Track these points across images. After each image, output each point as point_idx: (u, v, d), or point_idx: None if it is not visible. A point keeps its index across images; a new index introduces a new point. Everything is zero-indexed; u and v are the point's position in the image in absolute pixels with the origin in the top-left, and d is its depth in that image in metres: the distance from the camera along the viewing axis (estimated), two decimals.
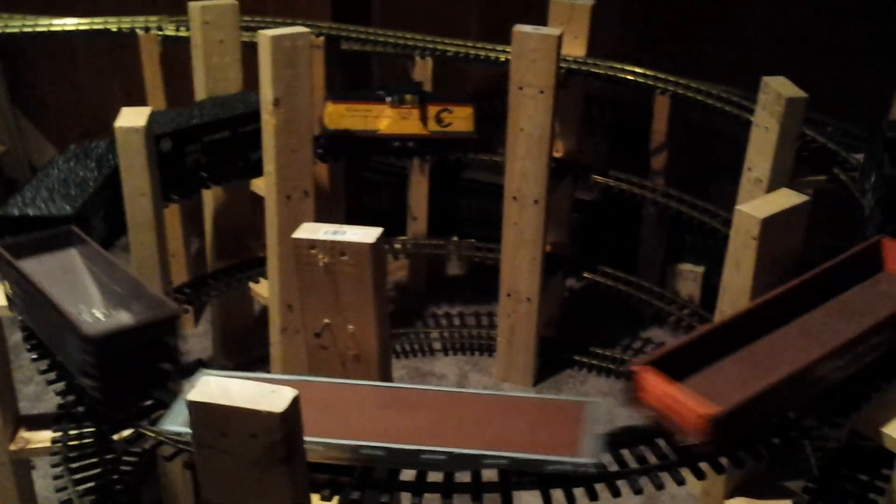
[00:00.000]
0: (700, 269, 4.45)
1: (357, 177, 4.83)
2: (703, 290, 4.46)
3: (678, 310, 4.08)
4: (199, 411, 1.50)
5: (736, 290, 2.16)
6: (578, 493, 1.78)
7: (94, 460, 2.72)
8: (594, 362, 4.24)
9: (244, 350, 3.98)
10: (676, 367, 1.75)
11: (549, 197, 3.72)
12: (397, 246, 4.29)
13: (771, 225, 2.04)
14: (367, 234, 1.86)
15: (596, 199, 4.65)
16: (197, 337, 4.33)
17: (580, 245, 4.47)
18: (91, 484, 2.64)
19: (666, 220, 4.44)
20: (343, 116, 3.59)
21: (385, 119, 3.62)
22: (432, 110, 3.70)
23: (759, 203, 2.08)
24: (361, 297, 1.89)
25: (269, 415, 1.47)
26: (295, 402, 1.50)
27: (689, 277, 4.47)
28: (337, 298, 1.90)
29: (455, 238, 4.43)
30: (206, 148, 3.27)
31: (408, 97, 3.65)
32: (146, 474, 3.17)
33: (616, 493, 1.79)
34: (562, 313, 4.47)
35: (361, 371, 1.98)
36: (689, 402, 1.62)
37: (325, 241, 1.85)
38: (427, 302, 4.76)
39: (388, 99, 3.64)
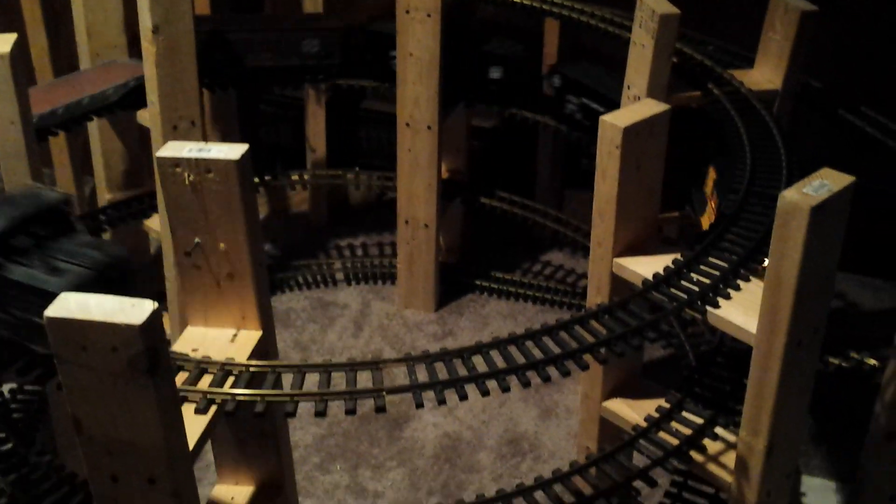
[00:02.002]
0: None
1: (252, 109, 4.77)
2: None
3: (573, 232, 4.17)
4: (58, 327, 1.50)
5: (603, 199, 2.23)
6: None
7: None
8: (495, 286, 4.32)
9: (141, 287, 3.94)
10: None
11: (441, 122, 3.74)
12: (295, 178, 4.27)
13: (632, 133, 2.10)
14: (232, 151, 1.85)
15: (493, 126, 4.69)
16: None
17: (478, 172, 4.51)
18: None
19: (561, 145, 4.51)
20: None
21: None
22: None
23: (622, 113, 2.14)
24: (230, 214, 1.89)
25: (129, 327, 1.48)
26: (155, 315, 1.51)
27: (585, 201, 4.56)
28: (206, 217, 1.90)
29: (356, 169, 4.43)
30: None
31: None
32: (38, 417, 3.14)
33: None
34: (462, 240, 4.53)
35: (236, 289, 2.00)
36: None
37: (189, 159, 1.84)
38: (329, 234, 4.76)
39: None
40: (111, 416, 1.57)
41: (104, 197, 3.81)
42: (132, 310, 1.50)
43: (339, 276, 4.42)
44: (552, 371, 1.97)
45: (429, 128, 3.72)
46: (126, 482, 1.62)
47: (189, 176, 1.86)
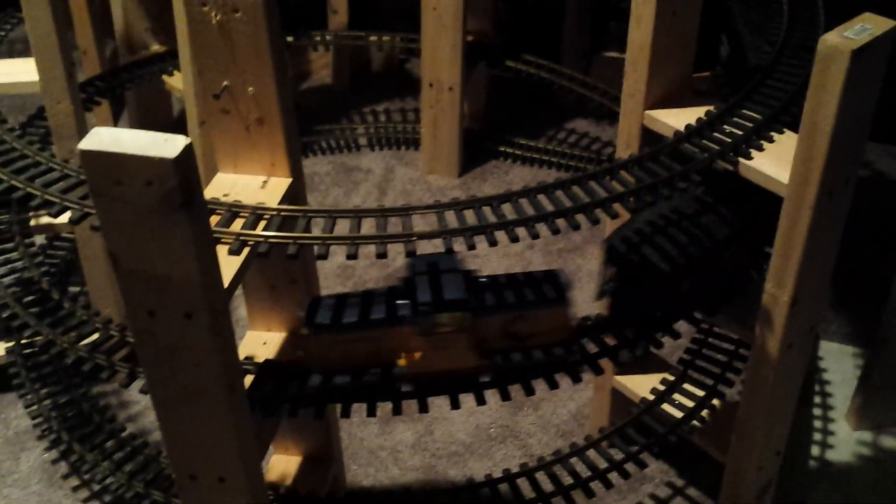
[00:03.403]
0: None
1: None
2: None
3: (600, 96, 4.11)
4: (92, 160, 1.50)
5: (636, 47, 2.18)
6: None
7: (14, 252, 2.75)
8: (518, 152, 4.29)
9: None
10: None
11: None
12: (317, 38, 4.20)
13: None
14: None
15: None
16: None
17: (504, 34, 4.41)
18: (13, 275, 2.67)
19: (591, 7, 4.39)
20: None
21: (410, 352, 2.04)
22: (496, 324, 2.01)
23: None
24: (258, 56, 1.87)
25: (162, 161, 1.48)
26: (188, 149, 1.51)
27: (613, 65, 4.47)
28: (234, 58, 1.88)
29: (379, 31, 4.34)
30: None
31: (445, 318, 1.96)
32: (71, 263, 3.21)
33: None
34: (487, 105, 4.48)
35: (266, 134, 1.99)
36: None
37: None
38: (352, 99, 4.72)
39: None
40: (147, 250, 1.59)
41: (125, 56, 3.76)
42: (165, 144, 1.50)
43: (363, 141, 4.41)
44: (581, 220, 1.96)
45: None
46: (163, 317, 1.66)
47: (216, 15, 1.82)
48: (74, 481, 2.75)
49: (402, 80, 4.85)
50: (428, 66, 3.91)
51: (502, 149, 4.30)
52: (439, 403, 2.08)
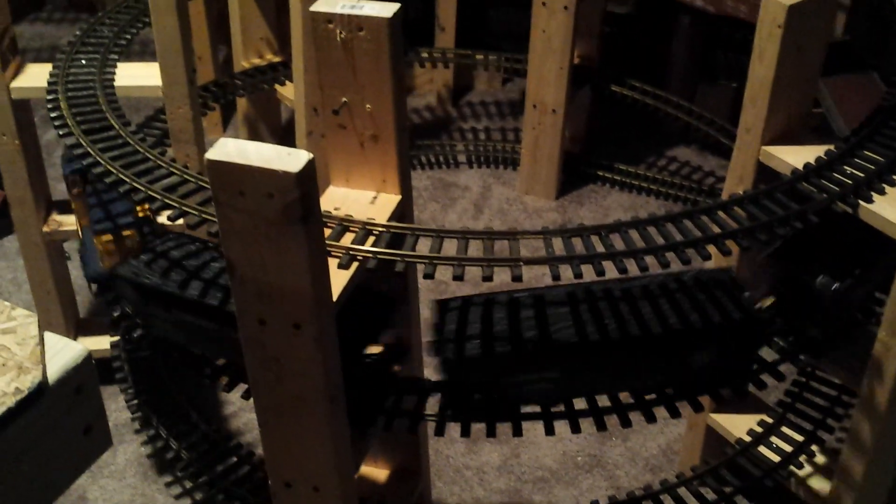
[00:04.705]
0: (732, 86, 4.37)
1: None
2: (733, 108, 4.39)
3: (706, 125, 4.04)
4: (217, 170, 1.54)
5: (757, 83, 2.13)
6: None
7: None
8: (617, 178, 4.25)
9: None
10: None
11: (579, 3, 3.63)
12: (424, 55, 4.24)
13: (798, 12, 1.99)
14: (384, 9, 1.84)
15: (629, 13, 4.53)
16: None
17: (610, 59, 4.38)
18: None
19: (700, 35, 4.32)
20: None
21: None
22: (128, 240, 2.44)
23: None
24: (379, 74, 1.89)
25: (286, 174, 1.52)
26: (311, 164, 1.54)
27: (719, 94, 4.39)
28: (354, 75, 1.91)
29: (485, 50, 4.36)
30: None
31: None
32: None
33: None
34: (588, 129, 4.45)
35: (379, 151, 2.01)
36: None
37: (342, 15, 1.84)
38: (453, 116, 4.75)
39: None
40: (263, 260, 1.62)
41: (240, 64, 3.87)
42: (289, 158, 1.53)
43: (462, 157, 4.42)
44: (692, 254, 1.93)
45: (565, 8, 3.62)
46: (273, 326, 1.69)
47: (341, 33, 1.86)
48: (168, 477, 2.82)
49: (505, 100, 4.87)
50: (533, 88, 3.91)
51: (601, 173, 4.27)
52: (527, 426, 2.06)
